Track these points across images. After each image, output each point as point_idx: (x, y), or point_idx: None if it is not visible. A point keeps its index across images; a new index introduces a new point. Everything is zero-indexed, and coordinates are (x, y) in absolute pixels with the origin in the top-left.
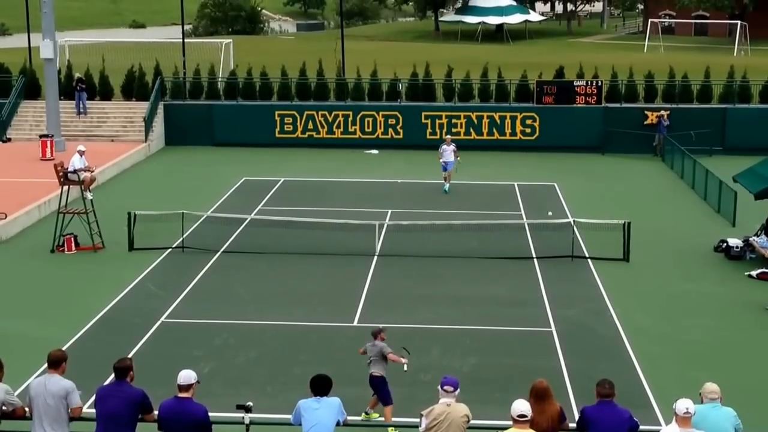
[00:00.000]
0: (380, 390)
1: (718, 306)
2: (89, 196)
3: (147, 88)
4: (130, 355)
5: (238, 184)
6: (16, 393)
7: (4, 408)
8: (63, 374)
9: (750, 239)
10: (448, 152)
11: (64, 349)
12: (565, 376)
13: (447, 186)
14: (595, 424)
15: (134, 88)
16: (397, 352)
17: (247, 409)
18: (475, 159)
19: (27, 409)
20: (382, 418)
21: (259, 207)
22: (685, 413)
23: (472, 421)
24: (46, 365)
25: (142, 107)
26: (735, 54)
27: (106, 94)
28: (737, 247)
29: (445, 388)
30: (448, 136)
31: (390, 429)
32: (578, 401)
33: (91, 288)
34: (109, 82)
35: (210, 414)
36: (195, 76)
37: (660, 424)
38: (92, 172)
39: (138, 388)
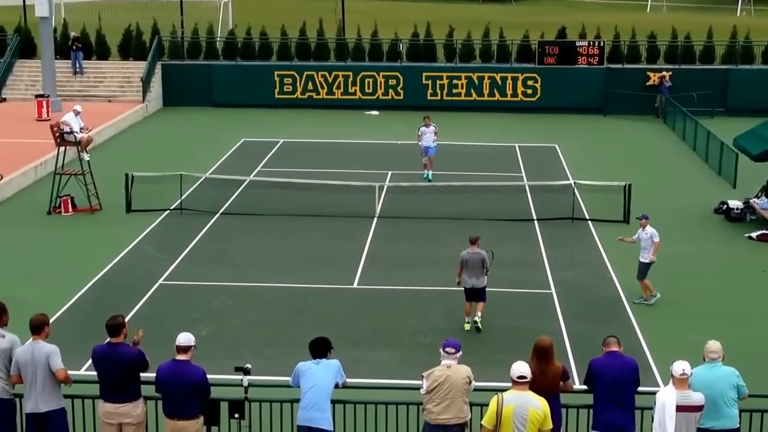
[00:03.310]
0: (485, 295)
1: (719, 267)
2: (86, 157)
3: (144, 47)
4: (128, 318)
5: (237, 145)
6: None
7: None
8: (47, 338)
9: (750, 201)
10: (427, 134)
11: (61, 311)
12: (564, 337)
13: (430, 173)
14: (602, 374)
15: (131, 47)
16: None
17: (246, 372)
18: (476, 120)
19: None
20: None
21: (258, 168)
22: (681, 375)
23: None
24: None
25: (139, 67)
26: (738, 14)
27: (102, 54)
28: (737, 209)
29: (447, 349)
30: (428, 117)
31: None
32: (578, 363)
33: (88, 250)
34: (106, 41)
35: (208, 376)
36: (193, 35)
37: (658, 386)
38: (89, 132)
39: (134, 348)
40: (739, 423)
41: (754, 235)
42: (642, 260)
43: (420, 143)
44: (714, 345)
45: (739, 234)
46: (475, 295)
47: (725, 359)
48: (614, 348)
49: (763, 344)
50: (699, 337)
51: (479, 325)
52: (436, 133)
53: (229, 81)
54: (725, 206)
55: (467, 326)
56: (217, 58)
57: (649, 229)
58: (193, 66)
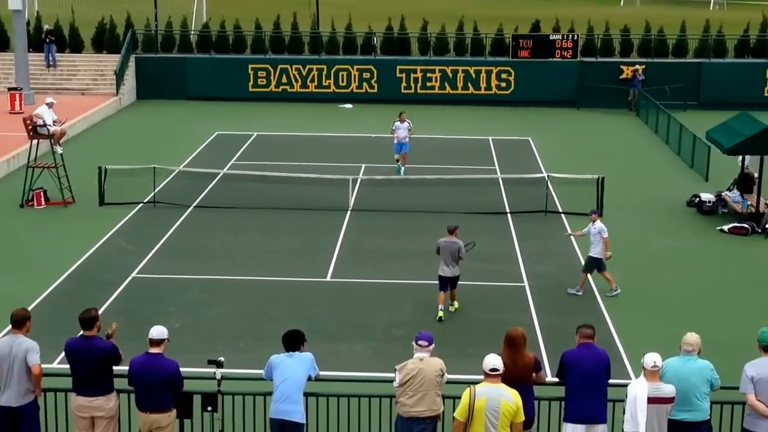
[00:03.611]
0: (456, 283)
1: (690, 260)
2: (59, 150)
3: (118, 40)
4: (101, 311)
5: (211, 138)
6: None
7: None
8: (27, 333)
9: (722, 194)
10: (401, 130)
11: (34, 304)
12: (537, 331)
13: (402, 169)
14: (575, 366)
15: (105, 40)
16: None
17: (219, 364)
18: (450, 113)
19: None
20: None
21: (232, 161)
22: (652, 367)
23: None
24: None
25: (113, 60)
26: (711, 8)
27: (76, 47)
28: (710, 202)
29: (420, 342)
30: (403, 113)
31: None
32: (550, 356)
33: (61, 243)
34: (79, 34)
35: (181, 369)
36: (167, 28)
37: (630, 378)
38: (62, 125)
39: (107, 341)
40: (710, 415)
41: (725, 228)
42: (591, 254)
43: (393, 136)
44: (691, 338)
45: (711, 227)
46: (449, 283)
47: (701, 353)
48: (589, 340)
49: (733, 336)
50: (670, 329)
51: (456, 308)
52: (410, 130)
53: (203, 74)
54: (697, 199)
55: (441, 313)
56: (191, 51)
57: (599, 224)
58: (166, 59)
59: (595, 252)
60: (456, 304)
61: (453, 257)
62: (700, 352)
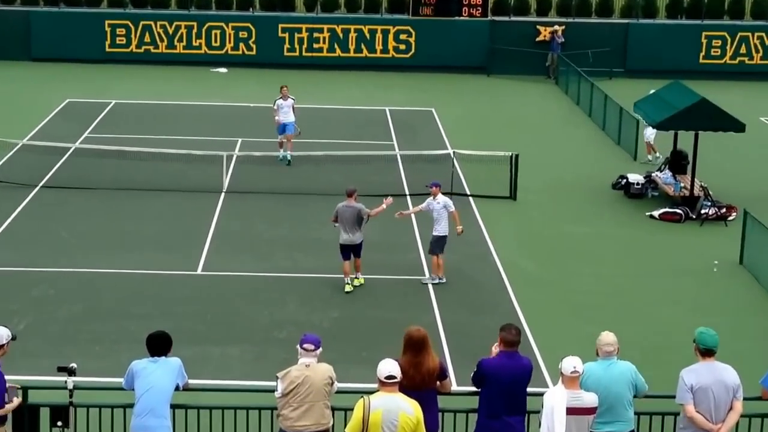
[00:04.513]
0: (360, 251)
1: (615, 251)
2: None
3: None
4: None
5: (61, 106)
6: None
7: None
8: None
9: (652, 175)
10: (285, 108)
11: None
12: (440, 331)
13: (288, 154)
14: (497, 378)
15: None
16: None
17: (71, 372)
18: (341, 80)
19: None
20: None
21: (85, 134)
22: (572, 372)
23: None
24: None
25: None
26: None
27: None
28: (638, 184)
29: (305, 346)
30: (285, 88)
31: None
32: (455, 361)
33: None
34: None
35: (27, 378)
36: None
37: (546, 385)
38: None
39: None
40: (636, 426)
41: (656, 213)
42: (435, 233)
43: (276, 119)
44: (608, 337)
45: (640, 212)
46: (351, 251)
47: (620, 353)
48: (512, 348)
49: (663, 336)
50: (592, 329)
51: (361, 283)
52: (294, 108)
53: (51, 31)
54: (624, 181)
55: (348, 288)
56: (37, 3)
57: (441, 197)
58: (7, 12)
59: (440, 230)
60: (361, 278)
61: (354, 222)
62: (618, 351)
